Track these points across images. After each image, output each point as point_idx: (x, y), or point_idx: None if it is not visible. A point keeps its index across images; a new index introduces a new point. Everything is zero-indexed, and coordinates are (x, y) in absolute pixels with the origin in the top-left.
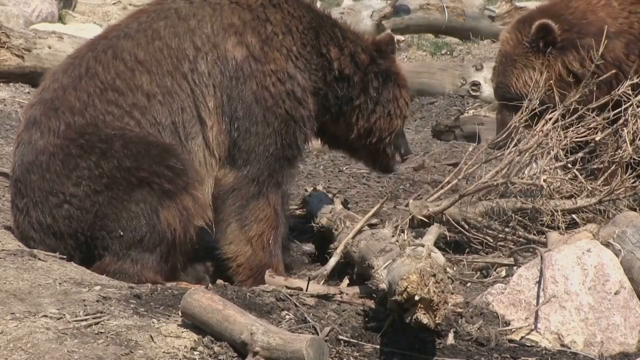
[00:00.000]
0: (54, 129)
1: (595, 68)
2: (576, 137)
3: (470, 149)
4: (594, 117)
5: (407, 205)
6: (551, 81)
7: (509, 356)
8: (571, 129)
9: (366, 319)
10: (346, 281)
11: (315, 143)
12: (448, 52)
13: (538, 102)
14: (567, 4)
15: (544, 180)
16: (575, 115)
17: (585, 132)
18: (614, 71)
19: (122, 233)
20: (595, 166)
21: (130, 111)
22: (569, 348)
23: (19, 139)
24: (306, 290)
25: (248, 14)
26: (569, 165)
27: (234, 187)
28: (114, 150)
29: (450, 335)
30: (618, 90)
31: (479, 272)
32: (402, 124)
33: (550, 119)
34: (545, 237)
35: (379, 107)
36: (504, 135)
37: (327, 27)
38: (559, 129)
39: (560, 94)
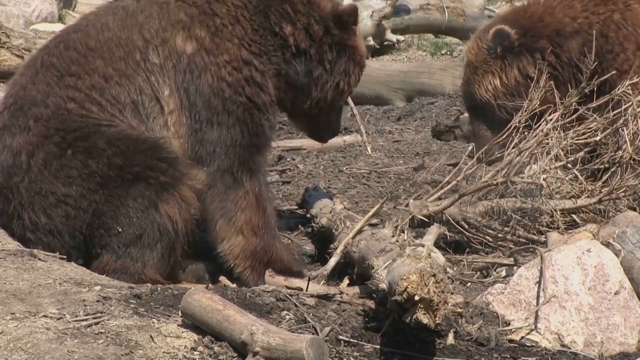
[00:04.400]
0: (24, 126)
1: (552, 69)
2: (576, 138)
3: (470, 148)
4: (594, 117)
5: (407, 205)
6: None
7: (509, 356)
8: (571, 130)
9: (366, 319)
10: (346, 281)
11: (316, 143)
12: (448, 52)
13: (507, 108)
14: (526, 9)
15: (544, 179)
16: (575, 115)
17: (584, 132)
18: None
19: (120, 230)
20: (595, 167)
21: (90, 93)
22: (569, 348)
23: None
24: (306, 290)
25: (194, 9)
26: (569, 166)
27: (209, 184)
28: (99, 149)
29: (450, 335)
30: (618, 89)
31: (479, 272)
32: (344, 99)
33: (550, 119)
34: (545, 237)
35: (332, 77)
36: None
37: (275, 6)
38: (559, 129)
39: (519, 98)
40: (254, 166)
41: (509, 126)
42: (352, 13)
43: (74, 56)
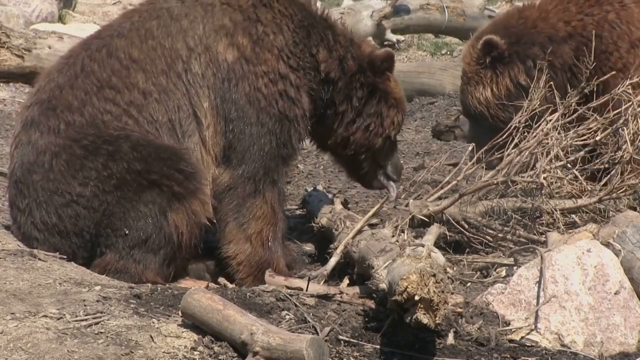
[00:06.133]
0: (54, 128)
1: (547, 76)
2: (576, 138)
3: (470, 148)
4: (594, 117)
5: (407, 205)
6: (501, 95)
7: (509, 356)
8: (571, 131)
9: (366, 319)
10: (346, 281)
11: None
12: (448, 52)
13: (500, 117)
14: (520, 14)
15: (544, 179)
16: (575, 115)
17: (584, 132)
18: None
19: (127, 232)
20: (595, 167)
21: (128, 109)
22: (569, 348)
23: (17, 140)
24: (306, 290)
25: (239, 14)
26: (569, 166)
27: (230, 186)
28: (122, 153)
29: (450, 335)
30: (618, 89)
31: (479, 272)
32: (383, 143)
33: (550, 119)
34: (545, 237)
35: (360, 119)
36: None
37: (319, 28)
38: (558, 128)
39: (511, 107)
40: (276, 176)
41: (508, 126)
42: (387, 59)
43: (115, 67)
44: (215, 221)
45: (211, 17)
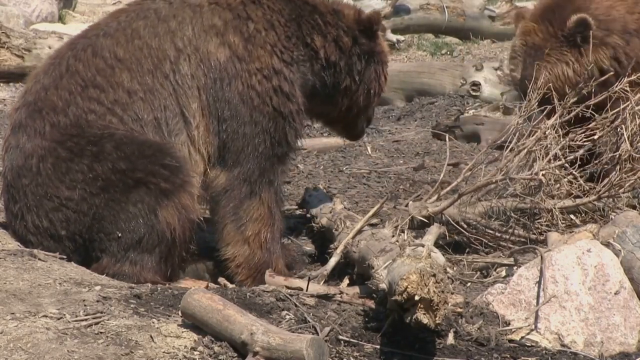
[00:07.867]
0: (40, 131)
1: (621, 68)
2: (576, 138)
3: (466, 146)
4: (593, 115)
5: (407, 206)
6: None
7: (509, 356)
8: (572, 129)
9: (366, 319)
10: (346, 281)
11: (316, 143)
12: (448, 52)
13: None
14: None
15: (543, 175)
16: (573, 114)
17: (584, 132)
18: None
19: (120, 235)
20: (595, 167)
21: (112, 108)
22: (569, 348)
23: (7, 143)
24: (306, 290)
25: (229, 13)
26: (567, 165)
27: (226, 188)
28: (106, 153)
29: (450, 335)
30: (616, 87)
31: (479, 272)
32: (378, 98)
33: (549, 119)
34: (545, 237)
35: (362, 85)
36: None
37: (306, 16)
38: (557, 127)
39: (584, 90)
40: (272, 177)
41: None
42: (378, 21)
43: (100, 66)
44: (202, 218)
45: (200, 17)
